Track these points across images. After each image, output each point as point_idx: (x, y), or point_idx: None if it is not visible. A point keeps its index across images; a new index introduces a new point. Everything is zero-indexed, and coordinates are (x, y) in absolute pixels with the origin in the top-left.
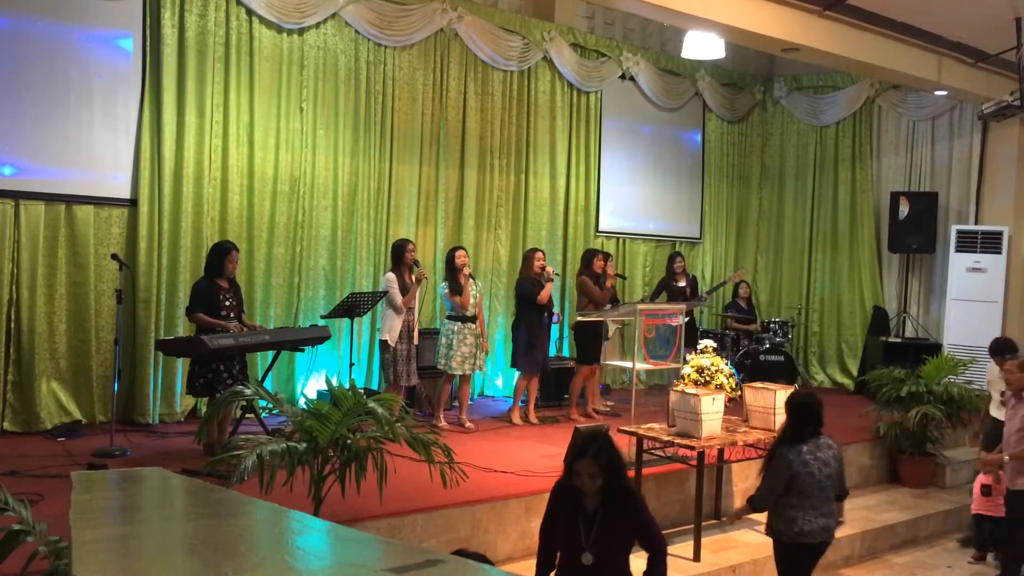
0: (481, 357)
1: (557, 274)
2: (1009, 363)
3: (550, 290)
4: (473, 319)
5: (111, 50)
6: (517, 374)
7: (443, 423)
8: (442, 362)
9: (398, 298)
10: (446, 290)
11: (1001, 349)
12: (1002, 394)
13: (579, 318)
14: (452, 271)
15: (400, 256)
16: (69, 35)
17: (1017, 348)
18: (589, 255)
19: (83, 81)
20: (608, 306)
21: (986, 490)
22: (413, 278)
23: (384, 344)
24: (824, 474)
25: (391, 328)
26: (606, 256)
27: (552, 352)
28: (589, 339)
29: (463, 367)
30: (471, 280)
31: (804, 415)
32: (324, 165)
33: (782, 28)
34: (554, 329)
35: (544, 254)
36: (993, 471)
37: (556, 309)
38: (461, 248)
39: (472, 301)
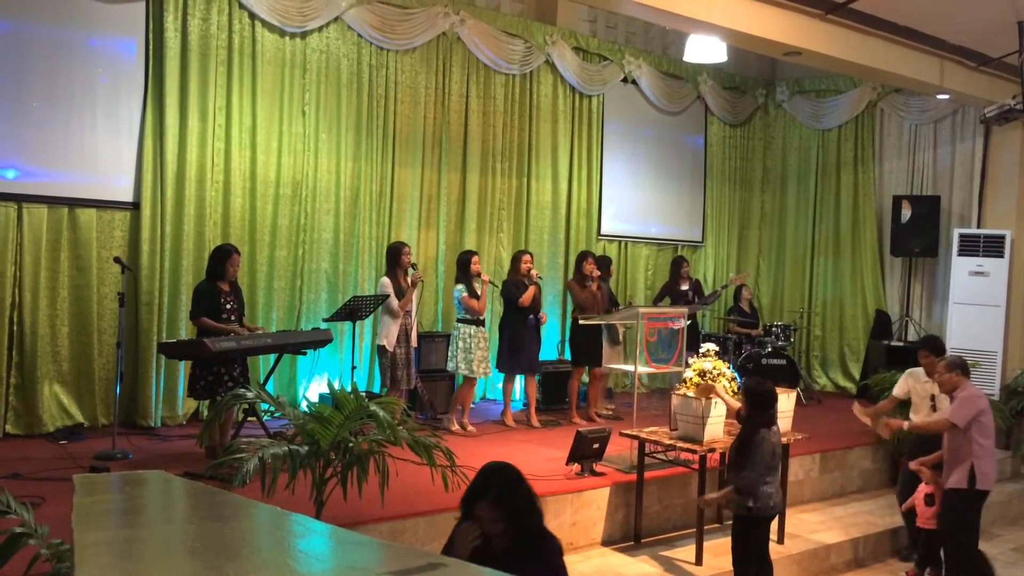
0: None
1: (541, 277)
2: (939, 365)
3: (533, 293)
4: (484, 322)
5: (114, 54)
6: (503, 376)
7: (456, 427)
8: (460, 366)
9: (394, 302)
10: (463, 293)
11: (939, 346)
12: (932, 398)
13: (581, 321)
14: (467, 276)
15: (396, 259)
16: (72, 39)
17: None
18: (579, 258)
19: (86, 84)
20: (613, 309)
21: (930, 499)
22: (409, 281)
23: (382, 349)
24: (779, 452)
25: (388, 333)
26: (605, 260)
27: (554, 356)
28: (583, 342)
29: (479, 369)
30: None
31: (769, 400)
32: (326, 168)
33: (784, 32)
34: (554, 332)
35: (532, 256)
36: (934, 480)
37: (545, 311)
38: (476, 253)
39: (487, 305)
